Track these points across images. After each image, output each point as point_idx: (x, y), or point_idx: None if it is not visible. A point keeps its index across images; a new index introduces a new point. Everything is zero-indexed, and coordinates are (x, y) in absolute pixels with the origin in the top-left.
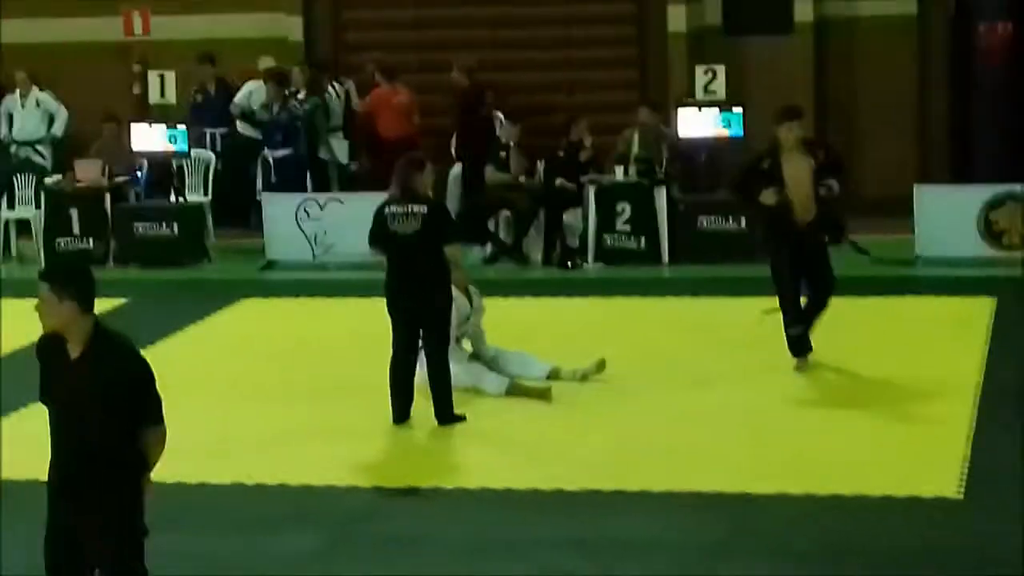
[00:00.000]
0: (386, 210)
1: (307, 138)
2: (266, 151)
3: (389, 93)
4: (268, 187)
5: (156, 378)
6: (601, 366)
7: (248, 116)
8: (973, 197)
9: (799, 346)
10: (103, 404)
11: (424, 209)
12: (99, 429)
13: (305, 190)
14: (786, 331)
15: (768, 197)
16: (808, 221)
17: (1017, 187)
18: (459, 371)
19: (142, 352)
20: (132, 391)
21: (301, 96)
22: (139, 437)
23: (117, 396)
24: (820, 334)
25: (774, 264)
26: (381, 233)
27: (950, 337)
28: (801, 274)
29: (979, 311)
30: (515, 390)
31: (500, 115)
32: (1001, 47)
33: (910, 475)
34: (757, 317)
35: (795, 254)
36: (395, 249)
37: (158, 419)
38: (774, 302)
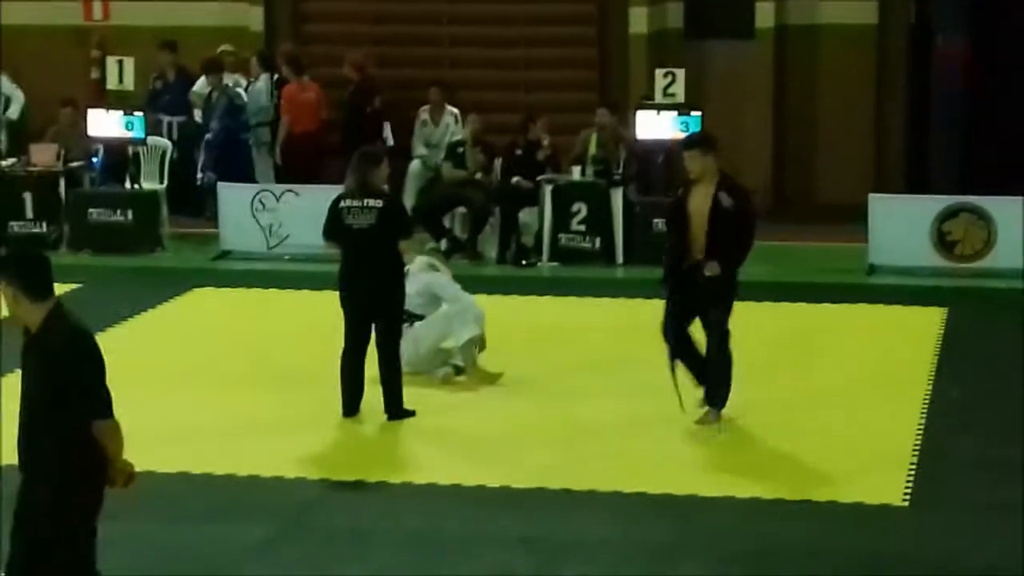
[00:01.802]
0: (341, 203)
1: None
2: (209, 135)
3: (297, 88)
4: (208, 169)
5: (101, 373)
6: (494, 378)
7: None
8: (927, 207)
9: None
10: (37, 394)
11: (379, 203)
12: (37, 416)
13: (244, 173)
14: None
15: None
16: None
17: (971, 198)
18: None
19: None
20: (61, 384)
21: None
22: (89, 428)
23: (47, 387)
24: (771, 339)
25: (665, 310)
26: (336, 226)
27: (900, 346)
28: (693, 317)
29: (930, 321)
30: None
31: (455, 111)
32: (958, 59)
33: (856, 481)
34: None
35: (687, 298)
36: (349, 242)
37: (100, 414)
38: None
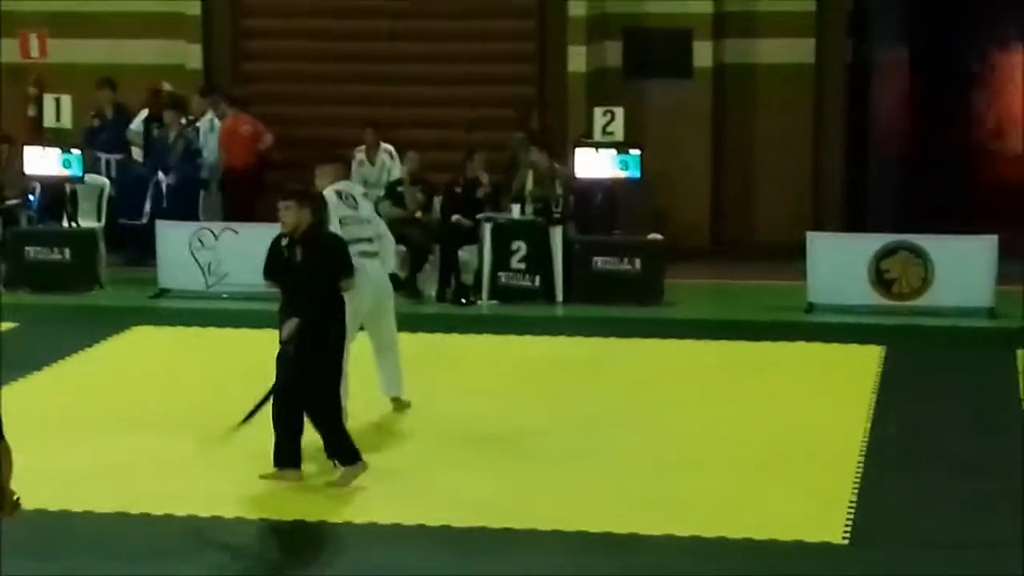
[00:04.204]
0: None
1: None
2: (160, 175)
3: (234, 123)
4: (159, 213)
5: None
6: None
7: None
8: (865, 245)
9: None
10: None
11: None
12: None
13: (197, 216)
14: None
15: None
16: None
17: (909, 237)
18: None
19: (29, 377)
20: None
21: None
22: None
23: None
24: (710, 376)
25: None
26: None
27: (839, 384)
28: None
29: (868, 359)
30: None
31: (390, 148)
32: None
33: (796, 520)
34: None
35: None
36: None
37: None
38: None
